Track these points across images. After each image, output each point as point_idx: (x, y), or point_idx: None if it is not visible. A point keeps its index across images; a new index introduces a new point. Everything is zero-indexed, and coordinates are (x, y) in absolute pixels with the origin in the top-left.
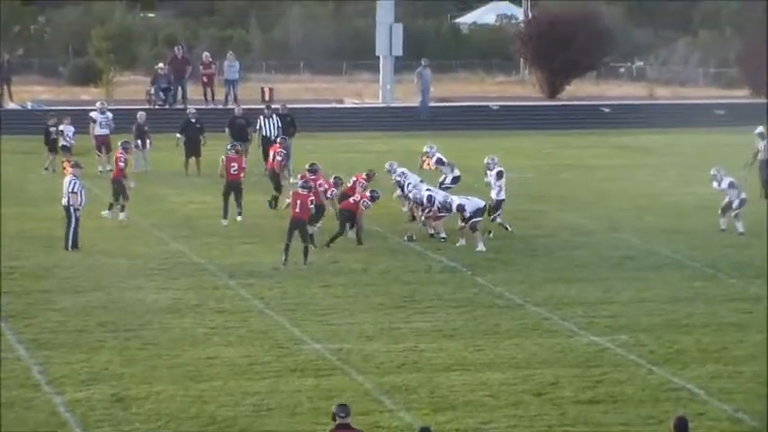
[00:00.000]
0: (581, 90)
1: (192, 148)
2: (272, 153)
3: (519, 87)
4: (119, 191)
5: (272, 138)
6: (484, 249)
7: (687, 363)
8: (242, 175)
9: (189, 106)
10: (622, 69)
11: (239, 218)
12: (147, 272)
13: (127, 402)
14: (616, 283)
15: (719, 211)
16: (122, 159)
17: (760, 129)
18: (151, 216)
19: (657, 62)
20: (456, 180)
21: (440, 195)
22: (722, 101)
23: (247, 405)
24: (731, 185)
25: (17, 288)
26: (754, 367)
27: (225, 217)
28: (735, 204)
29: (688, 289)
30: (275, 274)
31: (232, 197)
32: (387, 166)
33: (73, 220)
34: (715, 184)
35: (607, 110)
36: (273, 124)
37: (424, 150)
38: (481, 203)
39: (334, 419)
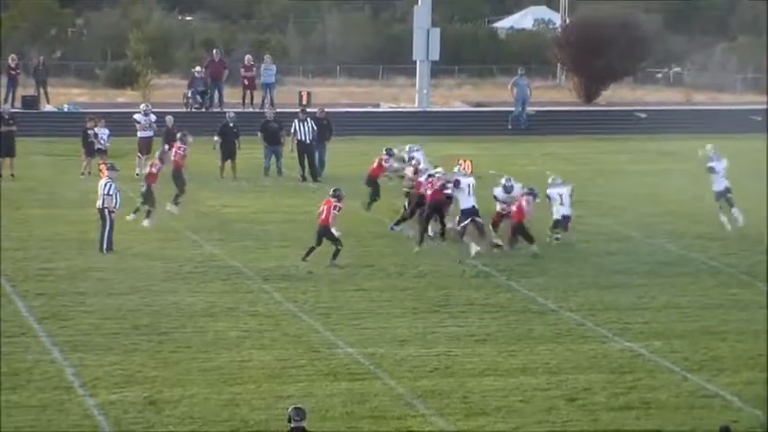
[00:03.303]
0: (618, 95)
1: (229, 152)
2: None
3: (556, 92)
4: (177, 183)
5: (308, 141)
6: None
7: (721, 369)
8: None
9: (228, 110)
10: (659, 75)
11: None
12: (181, 275)
13: (160, 405)
14: (651, 290)
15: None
16: (182, 150)
17: None
18: (186, 219)
19: (695, 68)
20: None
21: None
22: (759, 106)
23: (280, 409)
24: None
25: (51, 290)
26: None
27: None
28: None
29: (723, 295)
30: (310, 277)
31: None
32: (408, 147)
33: (108, 223)
34: (713, 164)
35: (643, 115)
36: (309, 128)
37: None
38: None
39: (289, 422)
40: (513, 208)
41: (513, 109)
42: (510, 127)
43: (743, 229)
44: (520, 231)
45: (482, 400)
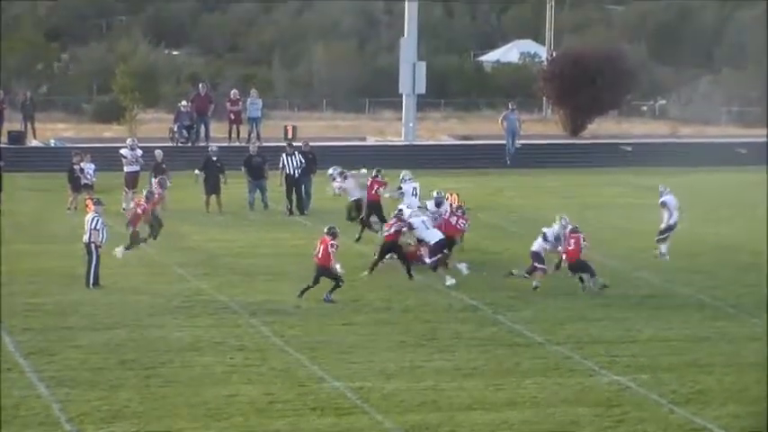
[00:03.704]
0: (603, 129)
1: (212, 187)
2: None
3: (542, 125)
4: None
5: (296, 175)
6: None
7: (709, 402)
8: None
9: (210, 144)
10: (645, 108)
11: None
12: (168, 309)
13: None
14: (637, 323)
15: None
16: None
17: None
18: (173, 254)
19: (680, 101)
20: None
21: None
22: (745, 140)
23: None
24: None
25: (38, 325)
26: None
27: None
28: (665, 227)
29: (710, 328)
30: (296, 312)
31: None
32: (402, 174)
33: (94, 258)
34: (666, 198)
35: (629, 148)
36: (297, 162)
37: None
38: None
39: None
40: (561, 248)
41: (502, 142)
42: (508, 162)
43: (729, 263)
44: (580, 268)
45: None
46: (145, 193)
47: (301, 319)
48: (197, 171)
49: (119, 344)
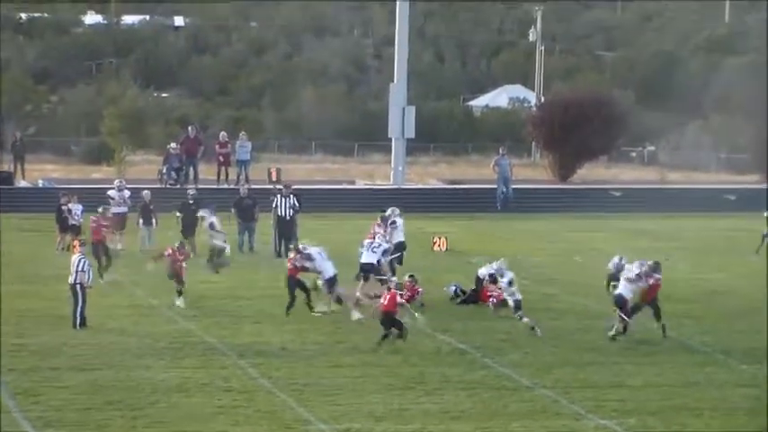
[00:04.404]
0: (592, 174)
1: (187, 229)
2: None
3: (531, 170)
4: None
5: (287, 217)
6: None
7: None
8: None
9: (189, 187)
10: (634, 154)
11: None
12: (155, 350)
13: None
14: (626, 367)
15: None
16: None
17: None
18: (161, 295)
19: (669, 147)
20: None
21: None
22: (733, 186)
23: None
24: (510, 283)
25: (24, 366)
26: None
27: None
28: (511, 304)
29: (698, 374)
30: (283, 354)
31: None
32: (389, 210)
33: (80, 299)
34: (497, 276)
35: (618, 194)
36: (288, 204)
37: None
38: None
39: None
40: (640, 285)
41: (491, 186)
42: (498, 207)
43: (719, 308)
44: (656, 309)
45: None
46: (177, 245)
47: (288, 361)
48: (177, 213)
49: (105, 385)
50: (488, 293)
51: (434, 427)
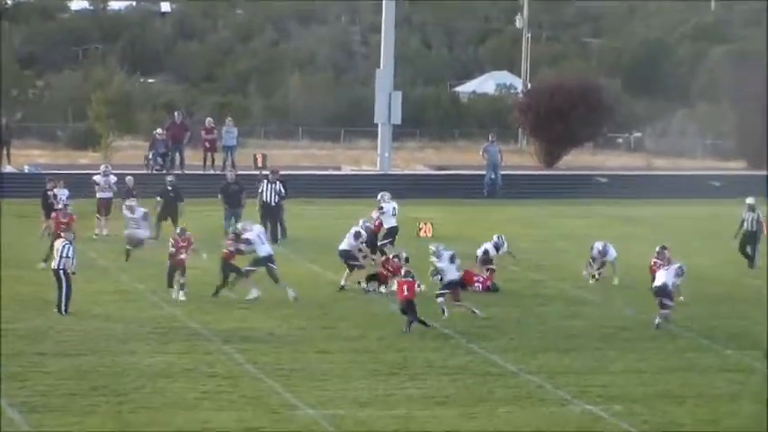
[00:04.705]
0: (579, 160)
1: (165, 212)
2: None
3: (517, 156)
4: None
5: (272, 203)
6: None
7: None
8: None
9: (168, 174)
10: (620, 140)
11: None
12: (140, 336)
13: None
14: (610, 353)
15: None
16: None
17: (750, 200)
18: (146, 280)
19: (655, 133)
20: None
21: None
22: (719, 172)
23: None
24: (452, 259)
25: (9, 351)
26: None
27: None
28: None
29: (682, 359)
30: (270, 339)
31: None
32: (379, 195)
33: (65, 284)
34: (434, 259)
35: (604, 180)
36: (274, 190)
37: None
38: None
39: None
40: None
41: (477, 173)
42: (485, 193)
43: (702, 294)
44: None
45: None
46: (178, 231)
47: (274, 347)
48: (158, 198)
49: (90, 370)
50: (474, 277)
51: (419, 413)
